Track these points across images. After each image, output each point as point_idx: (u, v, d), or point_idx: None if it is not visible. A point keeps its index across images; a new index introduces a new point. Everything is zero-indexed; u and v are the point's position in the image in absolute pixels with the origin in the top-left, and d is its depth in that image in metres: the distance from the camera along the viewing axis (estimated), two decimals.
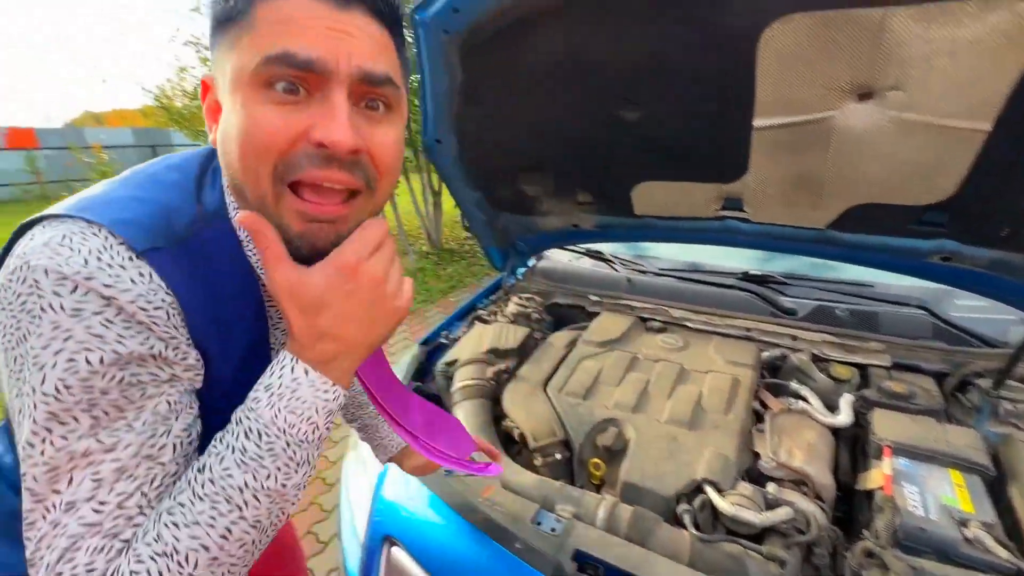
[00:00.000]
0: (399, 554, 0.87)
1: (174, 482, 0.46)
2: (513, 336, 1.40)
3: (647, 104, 1.09)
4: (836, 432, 1.06)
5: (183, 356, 0.47)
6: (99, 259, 0.41)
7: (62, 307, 0.40)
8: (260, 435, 0.44)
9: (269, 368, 0.47)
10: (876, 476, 0.91)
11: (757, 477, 0.97)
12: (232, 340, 0.52)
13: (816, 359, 1.23)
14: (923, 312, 1.26)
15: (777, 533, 0.85)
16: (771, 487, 0.92)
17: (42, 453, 0.40)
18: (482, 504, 0.87)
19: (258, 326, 0.57)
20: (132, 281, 0.42)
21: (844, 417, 1.06)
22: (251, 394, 0.47)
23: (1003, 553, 0.75)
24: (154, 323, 0.43)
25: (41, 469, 0.40)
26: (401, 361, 1.41)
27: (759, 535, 0.86)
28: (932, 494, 0.86)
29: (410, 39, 0.82)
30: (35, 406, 0.40)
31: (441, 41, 1.06)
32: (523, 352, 1.38)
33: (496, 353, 1.35)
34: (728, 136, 1.06)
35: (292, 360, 0.46)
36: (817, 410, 1.08)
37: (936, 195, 0.99)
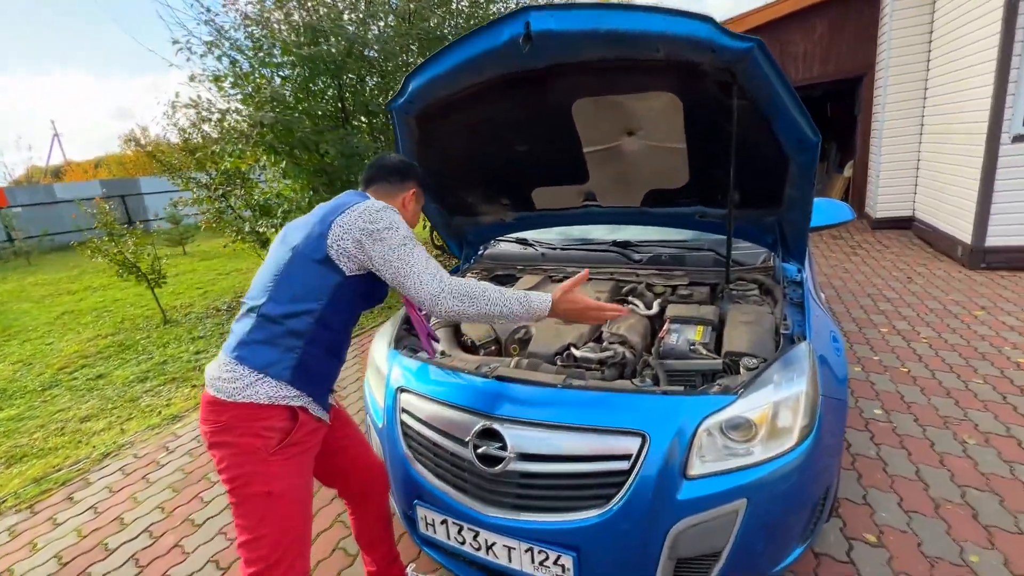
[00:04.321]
0: (406, 395, 1.62)
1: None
2: None
3: (527, 143, 1.90)
4: (652, 319, 1.86)
5: None
6: None
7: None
8: (521, 303, 1.26)
9: (540, 293, 1.30)
10: (661, 332, 1.71)
11: (602, 342, 1.75)
12: None
13: (648, 285, 2.04)
14: (710, 252, 2.09)
15: (607, 363, 1.63)
16: (605, 344, 1.70)
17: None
18: (447, 366, 1.62)
19: None
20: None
21: (653, 311, 1.86)
22: (535, 296, 1.28)
23: (705, 352, 1.55)
24: None
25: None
26: (397, 314, 2.16)
27: (601, 366, 1.63)
28: (683, 335, 1.65)
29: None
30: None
31: (404, 118, 1.85)
32: None
33: None
34: (574, 158, 1.88)
35: (549, 302, 1.29)
36: (640, 309, 1.88)
37: (682, 181, 1.82)
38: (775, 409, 1.31)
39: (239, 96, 4.54)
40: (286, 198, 5.75)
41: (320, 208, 1.34)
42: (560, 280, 2.20)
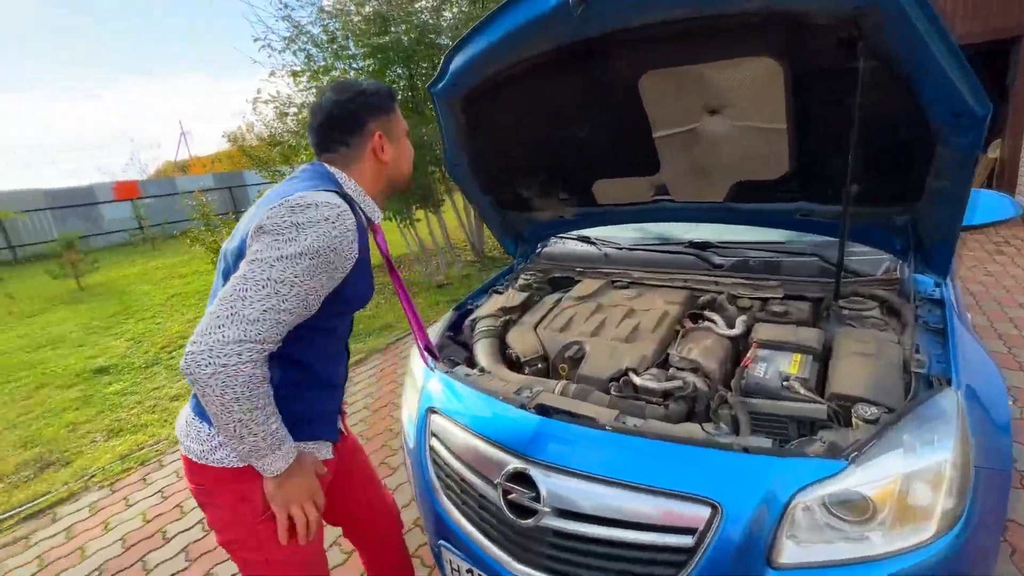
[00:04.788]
0: (436, 417, 1.44)
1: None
2: (517, 298, 1.95)
3: (587, 125, 1.62)
4: (734, 340, 1.52)
5: None
6: None
7: None
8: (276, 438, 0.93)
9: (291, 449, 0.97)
10: (746, 359, 1.38)
11: (667, 367, 1.45)
12: None
13: (732, 297, 1.69)
14: (815, 258, 1.69)
15: (673, 396, 1.34)
16: (672, 371, 1.41)
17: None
18: (484, 387, 1.42)
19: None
20: None
21: (736, 330, 1.52)
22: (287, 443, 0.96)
23: (803, 391, 1.21)
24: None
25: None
26: (442, 318, 1.99)
27: (665, 400, 1.34)
28: (774, 366, 1.31)
29: None
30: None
31: (447, 102, 1.65)
32: (524, 308, 1.92)
33: (504, 310, 1.90)
34: (641, 144, 1.57)
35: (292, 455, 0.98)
36: (719, 327, 1.55)
37: (780, 171, 1.45)
38: (905, 484, 0.96)
39: (313, 89, 4.63)
40: None
41: (252, 207, 1.06)
42: (624, 287, 1.91)
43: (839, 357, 1.30)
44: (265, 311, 0.86)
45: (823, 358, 1.35)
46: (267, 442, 0.92)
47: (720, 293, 1.73)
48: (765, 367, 1.31)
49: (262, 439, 0.91)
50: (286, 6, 4.55)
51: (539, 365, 1.61)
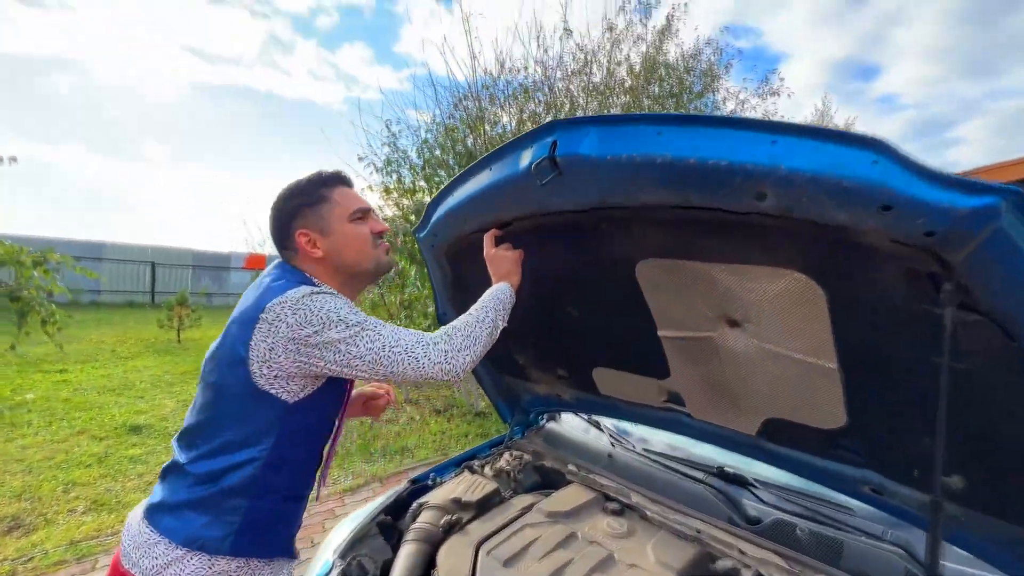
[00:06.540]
0: None
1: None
2: (480, 490, 1.54)
3: (582, 306, 1.31)
4: None
5: None
6: None
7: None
8: (494, 301, 1.12)
9: (493, 287, 1.17)
10: None
11: None
12: None
13: None
14: (900, 552, 1.11)
15: None
16: None
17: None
18: None
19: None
20: None
21: None
22: (492, 290, 1.16)
23: None
24: None
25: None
26: (389, 492, 1.62)
27: None
28: None
29: None
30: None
31: (432, 250, 1.45)
32: (482, 507, 1.50)
33: (458, 503, 1.49)
34: (646, 340, 1.22)
35: (501, 282, 1.17)
36: None
37: (835, 421, 0.99)
38: None
39: (403, 204, 4.94)
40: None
41: (235, 315, 1.02)
42: (617, 512, 1.42)
43: None
44: (394, 329, 0.99)
45: None
46: (499, 302, 1.14)
47: (745, 567, 1.18)
48: None
49: (496, 303, 1.13)
50: (393, 135, 5.12)
51: None
